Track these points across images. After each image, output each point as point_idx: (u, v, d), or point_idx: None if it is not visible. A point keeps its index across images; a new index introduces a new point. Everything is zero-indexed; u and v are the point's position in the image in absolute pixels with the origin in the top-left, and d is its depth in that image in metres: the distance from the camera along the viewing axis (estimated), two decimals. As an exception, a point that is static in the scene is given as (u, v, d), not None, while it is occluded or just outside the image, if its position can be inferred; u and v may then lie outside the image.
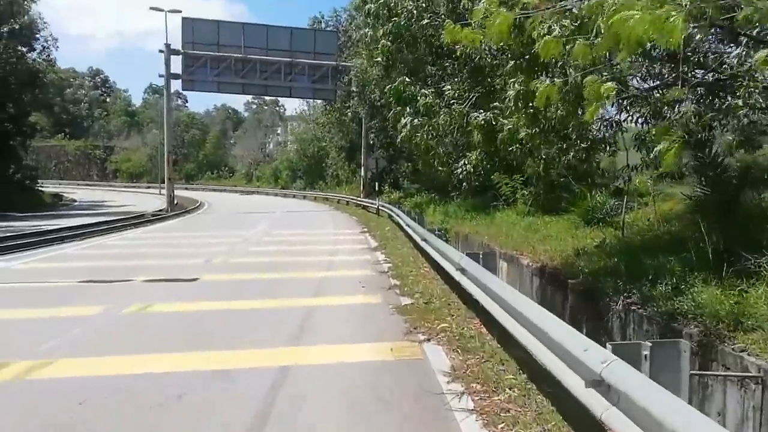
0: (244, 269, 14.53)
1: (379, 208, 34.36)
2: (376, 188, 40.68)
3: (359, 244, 20.60)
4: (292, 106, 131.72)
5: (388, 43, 12.85)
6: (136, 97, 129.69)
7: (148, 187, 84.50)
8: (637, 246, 11.32)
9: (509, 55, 10.13)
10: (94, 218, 32.39)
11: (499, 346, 7.33)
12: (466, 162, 11.89)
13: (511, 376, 6.24)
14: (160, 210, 40.31)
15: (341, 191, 55.53)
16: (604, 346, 4.16)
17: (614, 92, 6.12)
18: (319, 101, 62.11)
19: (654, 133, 9.24)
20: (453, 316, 9.05)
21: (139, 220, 32.75)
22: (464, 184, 12.29)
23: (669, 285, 8.38)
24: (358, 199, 44.80)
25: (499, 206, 21.14)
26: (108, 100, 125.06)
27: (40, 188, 55.40)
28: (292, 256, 17.04)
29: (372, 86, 36.18)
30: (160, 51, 41.77)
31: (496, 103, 10.71)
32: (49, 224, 27.97)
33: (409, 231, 18.60)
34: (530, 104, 9.24)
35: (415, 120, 12.09)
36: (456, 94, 12.40)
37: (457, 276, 9.24)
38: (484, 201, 23.45)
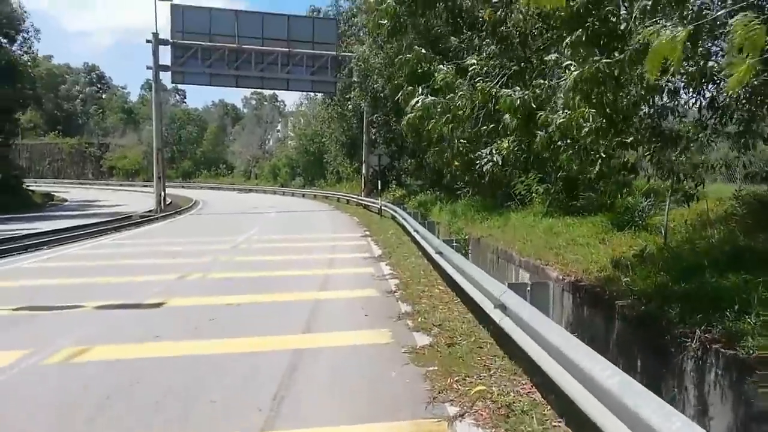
0: (222, 290, 12.07)
1: (382, 208, 31.89)
2: (378, 187, 38.11)
3: (361, 252, 18.11)
4: (291, 101, 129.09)
5: (394, 2, 10.22)
6: (134, 94, 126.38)
7: (144, 186, 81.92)
8: (689, 257, 9.01)
9: (560, 23, 7.65)
10: (77, 220, 30.06)
11: (572, 434, 4.89)
12: (494, 150, 9.29)
13: None
14: (150, 211, 37.87)
15: (342, 189, 53.17)
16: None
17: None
18: (318, 95, 59.77)
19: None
20: (490, 369, 6.58)
21: (122, 223, 30.37)
22: (487, 177, 9.82)
23: (762, 317, 6.21)
24: (359, 197, 42.34)
25: (512, 206, 19.05)
26: (104, 96, 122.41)
27: (28, 188, 53.36)
28: (283, 269, 14.56)
29: (374, 75, 33.70)
30: (148, 41, 39.27)
31: (541, 81, 8.17)
32: (24, 228, 25.57)
33: (417, 237, 16.21)
34: (594, 89, 6.76)
35: (428, 98, 9.56)
36: (483, 70, 9.85)
37: (496, 315, 6.77)
38: (495, 200, 21.26)
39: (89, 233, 24.74)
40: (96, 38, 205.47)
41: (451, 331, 8.21)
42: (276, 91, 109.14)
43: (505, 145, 9.30)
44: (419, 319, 9.02)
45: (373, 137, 43.57)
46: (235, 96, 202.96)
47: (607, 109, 6.91)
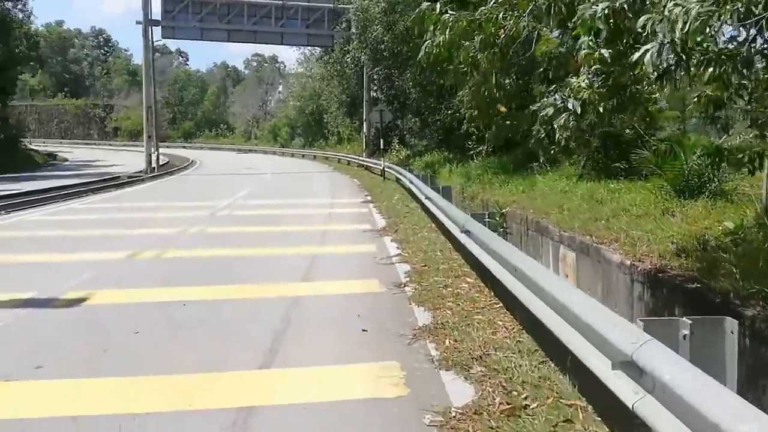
0: (173, 277, 8.59)
1: (385, 169, 28.12)
2: (381, 146, 34.24)
3: (361, 222, 14.35)
4: (292, 63, 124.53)
5: None
6: (138, 57, 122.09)
7: (148, 146, 78.37)
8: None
9: None
10: (68, 180, 26.67)
11: None
12: (568, 95, 5.53)
13: None
14: (140, 171, 34.24)
15: (342, 149, 49.37)
16: None
17: None
18: (316, 51, 55.64)
19: None
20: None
21: (105, 184, 26.88)
22: (565, 141, 6.07)
23: None
24: (361, 158, 38.53)
25: (536, 168, 15.54)
26: (110, 59, 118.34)
27: (33, 148, 51.92)
28: (261, 246, 11.08)
29: (374, 25, 29.81)
30: (136, -7, 35.46)
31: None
32: (5, 189, 21.86)
33: (430, 206, 12.71)
34: None
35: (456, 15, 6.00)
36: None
37: (621, 389, 3.22)
38: (515, 160, 17.73)
39: (63, 195, 21.53)
40: (108, 6, 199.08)
41: (504, 372, 4.67)
42: (276, 53, 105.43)
43: (584, 83, 5.60)
44: (447, 342, 5.47)
45: (374, 94, 39.67)
46: (237, 59, 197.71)
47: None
